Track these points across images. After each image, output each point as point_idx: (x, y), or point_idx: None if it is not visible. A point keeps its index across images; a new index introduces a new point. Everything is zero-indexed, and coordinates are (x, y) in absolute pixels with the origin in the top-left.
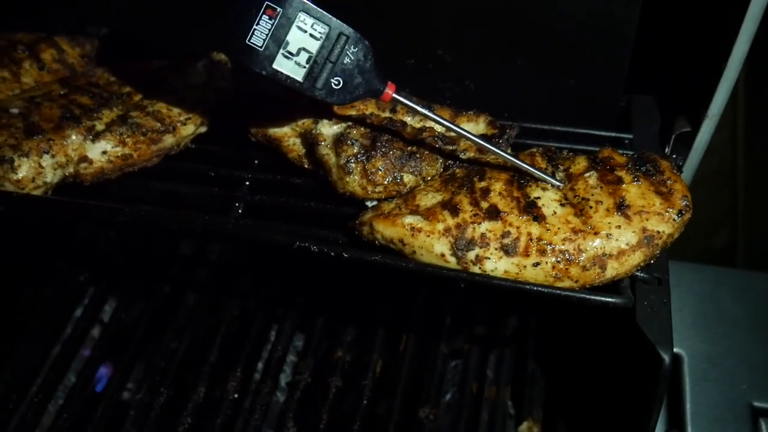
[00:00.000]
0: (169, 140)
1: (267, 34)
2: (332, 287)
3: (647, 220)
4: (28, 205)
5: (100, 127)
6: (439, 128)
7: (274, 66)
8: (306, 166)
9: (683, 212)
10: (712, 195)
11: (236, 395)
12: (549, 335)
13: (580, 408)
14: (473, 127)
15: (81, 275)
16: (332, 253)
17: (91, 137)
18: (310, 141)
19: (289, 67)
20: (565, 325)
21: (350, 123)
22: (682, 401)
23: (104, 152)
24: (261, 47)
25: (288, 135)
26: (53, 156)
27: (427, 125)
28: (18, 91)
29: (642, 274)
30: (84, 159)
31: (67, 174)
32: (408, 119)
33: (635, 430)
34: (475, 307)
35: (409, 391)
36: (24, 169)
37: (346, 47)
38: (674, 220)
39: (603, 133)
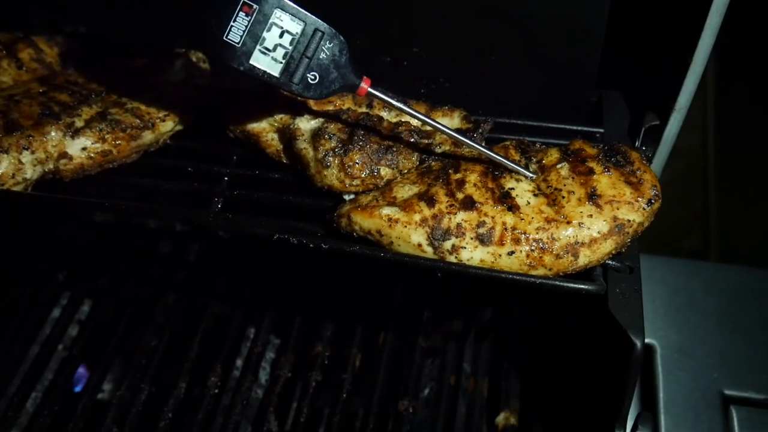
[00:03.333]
0: (148, 137)
1: (244, 31)
2: (310, 285)
3: (618, 209)
4: (8, 201)
5: (79, 123)
6: (415, 123)
7: (251, 62)
8: (284, 161)
9: (653, 201)
10: (683, 197)
11: (216, 391)
12: (525, 328)
13: (556, 398)
14: (448, 121)
15: (60, 275)
16: (311, 245)
17: (70, 134)
18: (288, 136)
19: (266, 63)
20: (540, 318)
21: (327, 118)
22: (655, 390)
23: (84, 148)
24: (238, 43)
25: (266, 130)
26: (33, 152)
27: (403, 120)
28: None
29: (614, 263)
30: (64, 155)
31: (46, 170)
32: (384, 114)
33: (609, 416)
34: (452, 301)
35: (388, 384)
36: (3, 166)
37: (322, 43)
38: (644, 209)
39: (575, 128)
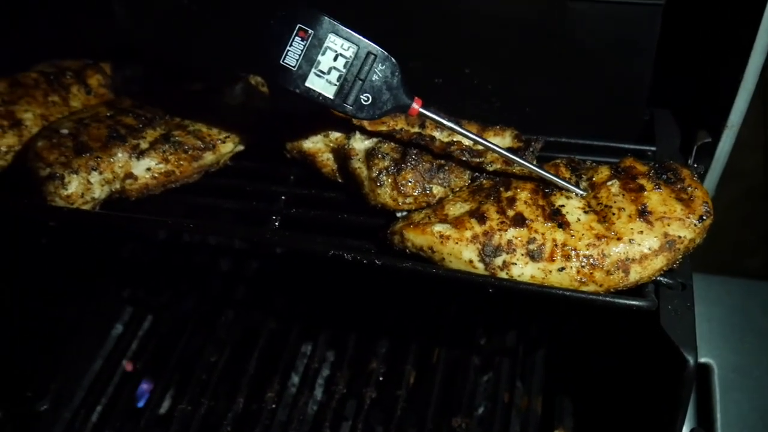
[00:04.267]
0: (209, 157)
1: (300, 55)
2: (365, 303)
3: (669, 225)
4: (78, 219)
5: (144, 145)
6: (466, 142)
7: (307, 84)
8: (339, 180)
9: (704, 217)
10: (746, 219)
11: (273, 406)
12: (577, 345)
13: (609, 416)
14: (500, 140)
15: (123, 291)
16: (365, 261)
17: (136, 155)
18: (342, 156)
19: (321, 85)
20: (593, 336)
21: (381, 138)
22: (712, 411)
23: (148, 169)
24: (294, 67)
25: (322, 150)
26: (101, 173)
27: (455, 139)
28: (67, 114)
29: (666, 280)
30: (130, 175)
31: (113, 190)
32: (436, 134)
33: None
34: (504, 319)
35: (442, 401)
36: (73, 186)
37: (374, 65)
38: (695, 225)
39: (626, 146)
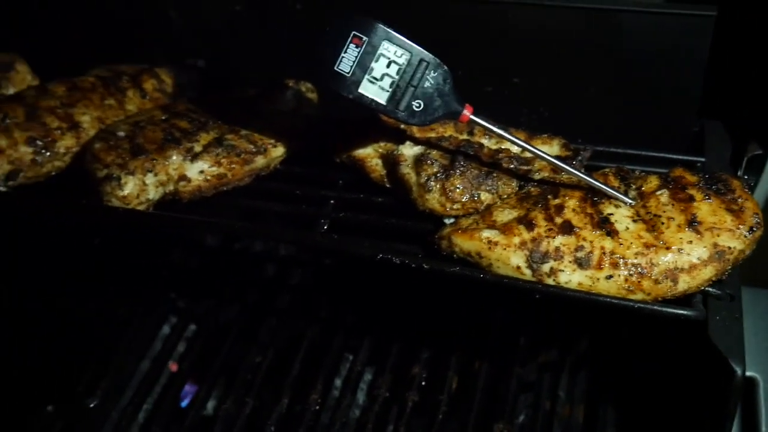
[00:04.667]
0: (260, 161)
1: (354, 61)
2: (408, 311)
3: (718, 236)
4: (133, 220)
5: (198, 148)
6: (514, 150)
7: (360, 90)
8: (387, 185)
9: (754, 229)
10: None
11: (317, 407)
12: (622, 357)
13: (652, 427)
14: (548, 149)
15: (171, 294)
16: (413, 265)
17: (190, 157)
18: (391, 161)
19: (374, 91)
20: (637, 345)
21: (430, 144)
22: (758, 425)
23: (201, 171)
24: (348, 73)
25: (371, 156)
26: (156, 174)
27: (503, 147)
28: (123, 117)
29: (714, 290)
30: (183, 178)
31: (167, 192)
32: (485, 141)
33: None
34: (548, 328)
35: (484, 408)
36: (130, 187)
37: (427, 72)
38: (745, 236)
39: (675, 156)
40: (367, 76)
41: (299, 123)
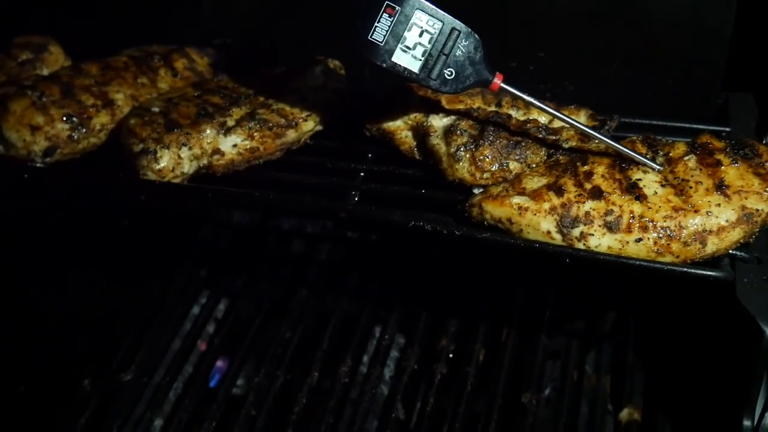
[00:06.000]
0: (291, 135)
1: (387, 31)
2: (436, 284)
3: (746, 198)
4: (170, 192)
5: (230, 122)
6: (542, 120)
7: (393, 59)
8: (417, 157)
9: None
10: None
11: (347, 380)
12: (648, 327)
13: (680, 393)
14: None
15: (201, 272)
16: (445, 231)
17: (223, 132)
18: (421, 133)
19: (407, 60)
20: (664, 316)
21: (459, 116)
22: None
23: (235, 145)
24: (381, 42)
25: (401, 128)
26: (190, 148)
27: (530, 118)
28: (155, 95)
29: (742, 254)
30: (217, 151)
31: (201, 165)
32: (513, 112)
33: (736, 406)
34: (574, 300)
35: (511, 379)
36: (165, 160)
37: (458, 41)
38: None
39: (701, 126)
40: (400, 45)
41: (329, 98)
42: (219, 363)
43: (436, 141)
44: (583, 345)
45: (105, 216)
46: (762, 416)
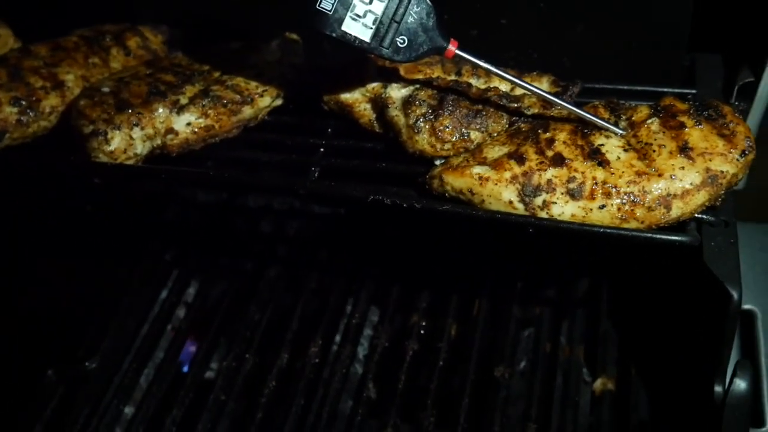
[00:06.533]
0: (247, 111)
1: None
2: (406, 258)
3: (710, 160)
4: (121, 174)
5: (184, 100)
6: (503, 87)
7: (343, 28)
8: (377, 130)
9: (746, 152)
10: None
11: (317, 360)
12: (620, 296)
13: (653, 362)
14: (537, 86)
15: (167, 255)
16: (404, 204)
17: (176, 110)
18: (380, 105)
19: (357, 29)
20: (635, 283)
21: (418, 86)
22: (757, 357)
23: (188, 124)
24: (330, 11)
25: (359, 101)
26: (142, 128)
27: (491, 86)
28: (107, 75)
29: (708, 217)
30: (170, 131)
31: (155, 146)
32: (473, 81)
33: (708, 371)
34: (545, 271)
35: (484, 353)
36: (116, 141)
37: (409, 7)
38: (737, 159)
39: (666, 89)
40: (349, 14)
41: (286, 72)
42: (191, 347)
43: (395, 113)
44: (556, 315)
45: (65, 201)
46: (732, 381)
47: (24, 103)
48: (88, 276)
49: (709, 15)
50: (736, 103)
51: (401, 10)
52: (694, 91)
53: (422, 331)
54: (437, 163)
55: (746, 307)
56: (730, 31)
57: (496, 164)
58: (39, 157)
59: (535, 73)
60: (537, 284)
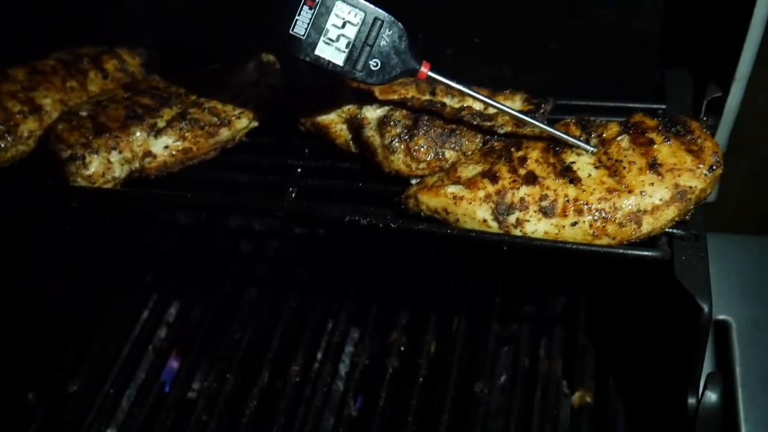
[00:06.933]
0: (225, 133)
1: (308, 24)
2: (385, 277)
3: (679, 176)
4: (100, 198)
5: (161, 124)
6: (477, 107)
7: (317, 52)
8: (353, 150)
9: (714, 167)
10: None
11: (298, 379)
12: (597, 311)
13: (630, 374)
14: (510, 104)
15: (148, 276)
16: (381, 225)
17: (153, 133)
18: (356, 125)
19: (330, 53)
20: (611, 298)
21: (392, 106)
22: (732, 366)
23: (166, 147)
24: (303, 36)
25: (335, 122)
26: (120, 152)
27: (465, 105)
28: (85, 98)
29: (679, 231)
30: (148, 154)
31: (133, 169)
32: (447, 100)
33: (682, 384)
34: (521, 288)
35: (463, 369)
36: (94, 165)
37: (382, 31)
38: (705, 175)
39: (636, 105)
40: (322, 38)
41: (263, 94)
42: (173, 367)
43: (371, 133)
44: (534, 330)
45: (44, 224)
46: (704, 393)
47: (2, 127)
48: (68, 297)
49: (678, 31)
50: (705, 117)
51: (374, 34)
52: (664, 107)
53: (402, 348)
54: (413, 182)
55: (720, 317)
56: (698, 46)
57: (470, 183)
58: (17, 181)
59: (508, 91)
60: (515, 301)
